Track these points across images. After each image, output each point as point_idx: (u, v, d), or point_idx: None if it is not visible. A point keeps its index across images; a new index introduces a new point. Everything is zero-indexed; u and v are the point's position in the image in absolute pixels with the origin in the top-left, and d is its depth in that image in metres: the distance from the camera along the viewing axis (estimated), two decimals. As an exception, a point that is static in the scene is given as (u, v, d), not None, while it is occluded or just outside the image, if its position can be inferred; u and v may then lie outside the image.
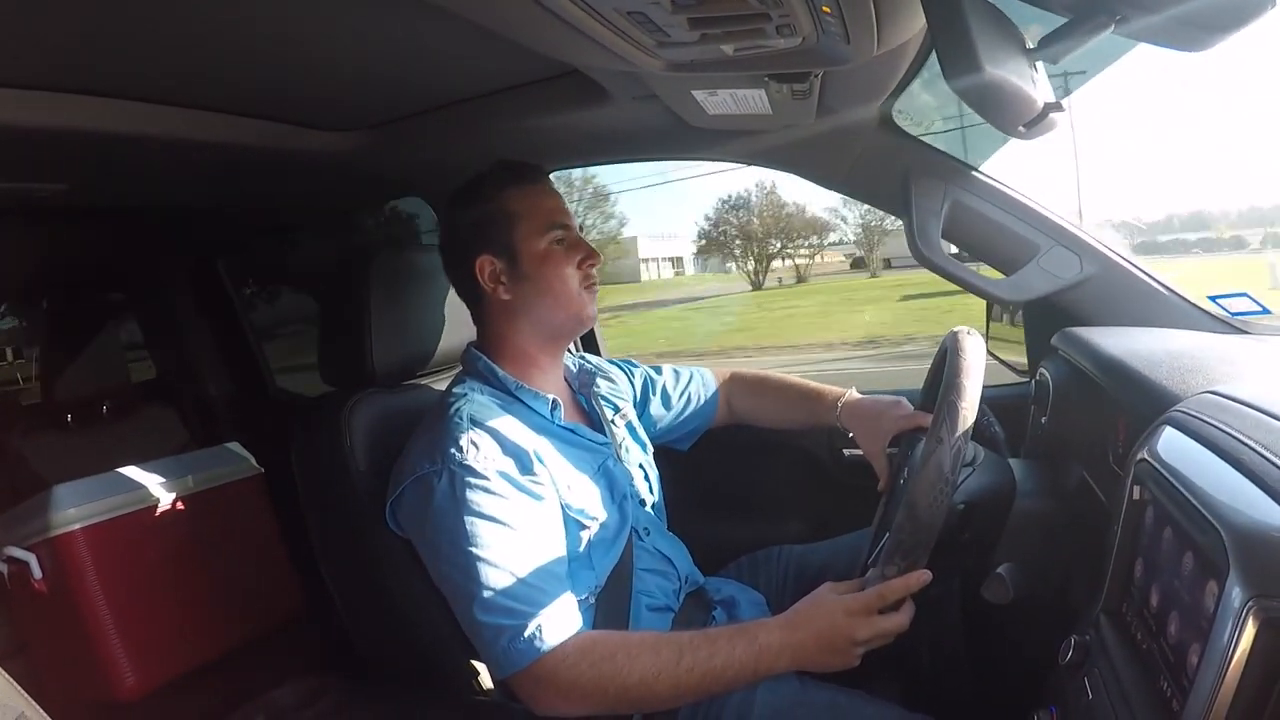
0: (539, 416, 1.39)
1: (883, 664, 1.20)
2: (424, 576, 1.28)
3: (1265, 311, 1.55)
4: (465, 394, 1.34)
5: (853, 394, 1.60)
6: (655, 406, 1.71)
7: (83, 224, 2.37)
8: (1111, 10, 0.79)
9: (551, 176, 1.62)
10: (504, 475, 1.24)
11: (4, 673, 0.76)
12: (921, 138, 1.68)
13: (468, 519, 1.20)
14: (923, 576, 1.10)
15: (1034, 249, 1.61)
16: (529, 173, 1.45)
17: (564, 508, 1.30)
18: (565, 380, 1.55)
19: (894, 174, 1.66)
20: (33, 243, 2.36)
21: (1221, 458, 0.79)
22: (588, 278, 1.43)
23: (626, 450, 1.55)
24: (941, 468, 1.05)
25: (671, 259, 40.05)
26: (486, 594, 1.17)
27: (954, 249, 1.70)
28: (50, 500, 1.85)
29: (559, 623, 1.17)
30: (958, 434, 1.06)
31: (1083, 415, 1.37)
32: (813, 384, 1.70)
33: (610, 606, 1.33)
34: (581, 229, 1.46)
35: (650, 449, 1.64)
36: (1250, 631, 0.62)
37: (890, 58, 1.19)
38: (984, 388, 1.13)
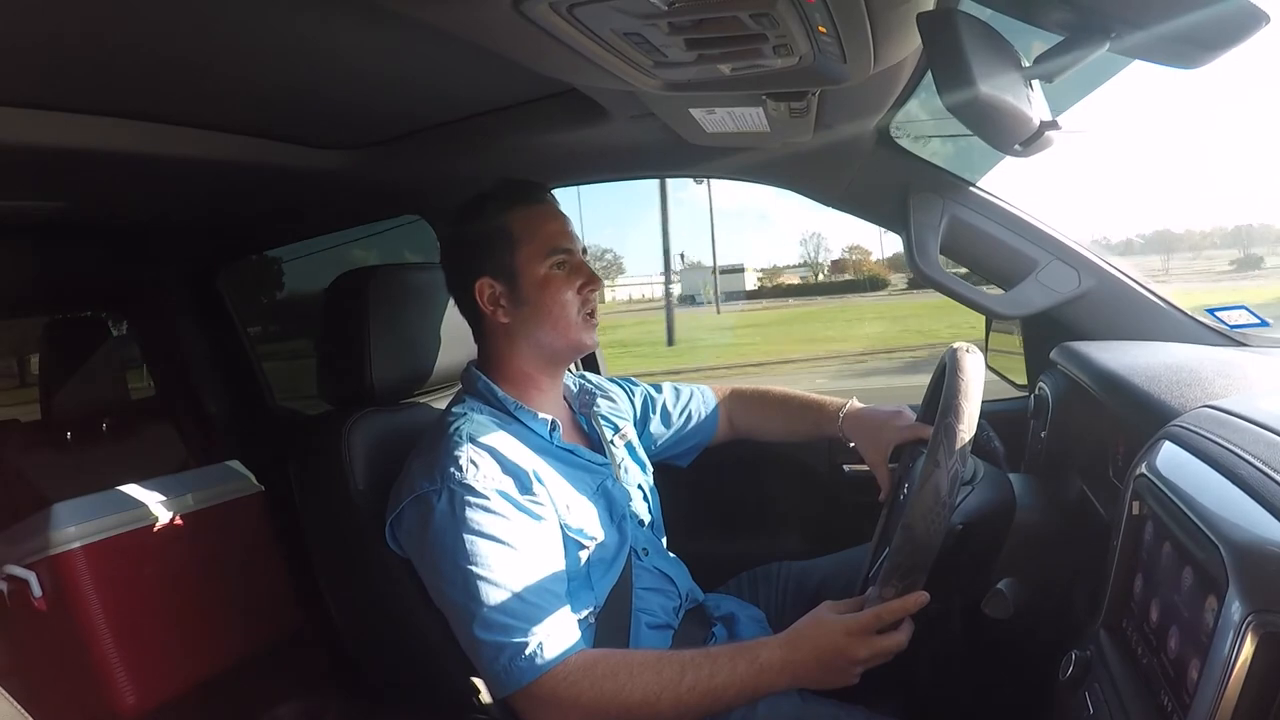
0: (538, 437, 1.39)
1: (883, 679, 1.20)
2: (423, 595, 1.27)
3: (1264, 324, 1.56)
4: (465, 413, 1.34)
5: (854, 404, 1.60)
6: (655, 424, 1.71)
7: (82, 241, 2.37)
8: (1106, 28, 0.80)
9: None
10: (503, 494, 1.24)
11: (3, 691, 0.76)
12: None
13: (467, 538, 1.20)
14: (920, 598, 1.10)
15: (1032, 264, 1.61)
16: (532, 192, 1.43)
17: (563, 528, 1.30)
18: (565, 400, 1.55)
19: (892, 190, 1.67)
20: (32, 260, 2.36)
21: (1220, 473, 0.79)
22: (588, 303, 1.42)
23: (625, 470, 1.55)
24: (939, 491, 1.05)
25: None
26: (486, 612, 1.17)
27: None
28: (50, 519, 1.84)
29: (559, 641, 1.17)
30: (954, 457, 1.06)
31: (1082, 429, 1.37)
32: (813, 395, 1.70)
33: (610, 625, 1.33)
34: (585, 252, 1.45)
35: (650, 469, 1.64)
36: (1250, 646, 0.62)
37: (887, 75, 1.20)
38: (983, 402, 1.13)
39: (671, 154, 1.75)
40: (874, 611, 1.12)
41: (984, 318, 1.89)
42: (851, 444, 1.58)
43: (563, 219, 1.43)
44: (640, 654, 1.23)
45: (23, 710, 0.77)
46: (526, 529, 1.24)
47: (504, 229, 1.39)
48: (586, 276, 1.41)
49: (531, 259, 1.38)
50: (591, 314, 1.43)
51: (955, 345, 1.21)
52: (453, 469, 1.24)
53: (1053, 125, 0.89)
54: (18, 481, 2.44)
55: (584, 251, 1.45)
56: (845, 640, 1.14)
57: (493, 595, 1.17)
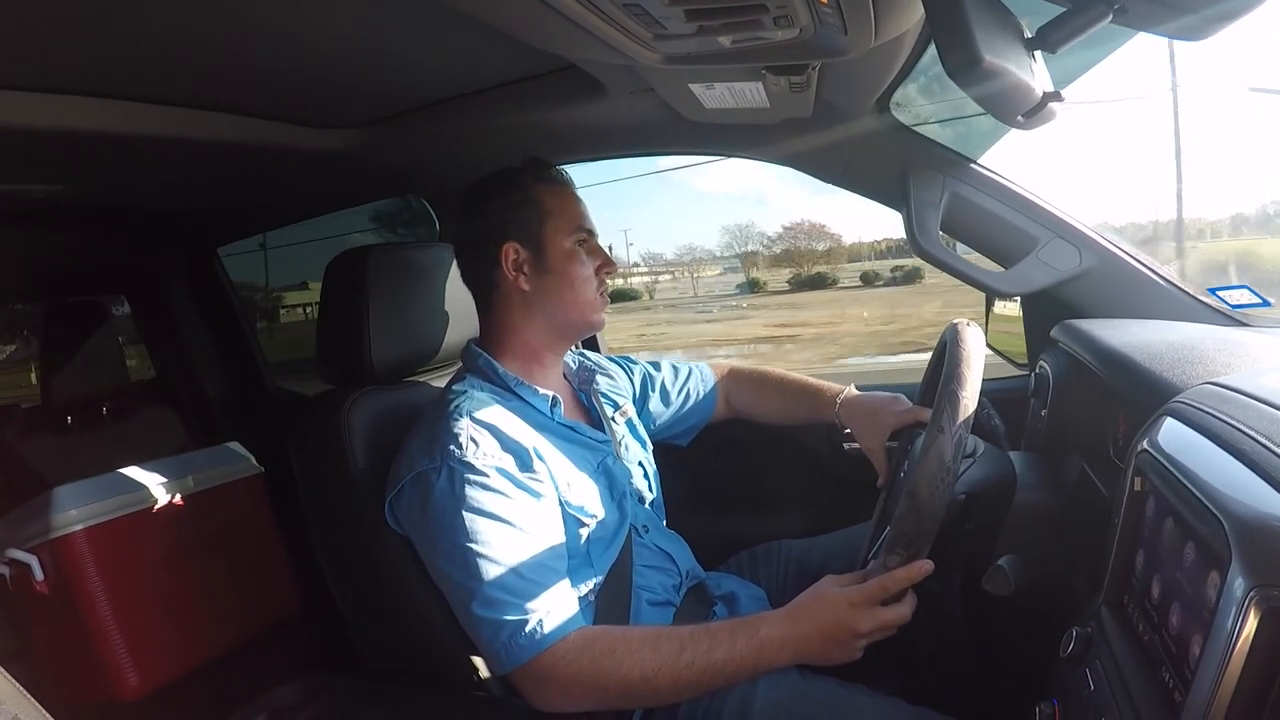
0: (538, 414, 1.39)
1: (883, 657, 1.20)
2: (423, 573, 1.27)
3: (1265, 304, 1.55)
4: (465, 391, 1.34)
5: (851, 391, 1.61)
6: (654, 403, 1.71)
7: (80, 224, 2.36)
8: (1110, -1, 0.79)
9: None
10: (503, 472, 1.24)
11: (6, 674, 0.76)
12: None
13: (466, 515, 1.20)
14: (925, 567, 1.09)
15: (1033, 241, 1.61)
16: (559, 175, 1.47)
17: (563, 505, 1.30)
18: (565, 378, 1.55)
19: (892, 167, 1.66)
20: (30, 244, 2.36)
21: (1223, 448, 0.78)
22: (602, 284, 1.45)
23: (626, 448, 1.55)
24: (943, 456, 1.04)
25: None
26: (486, 590, 1.17)
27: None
28: (51, 502, 1.84)
29: (558, 618, 1.17)
30: (959, 423, 1.05)
31: (1083, 407, 1.37)
32: (811, 380, 1.70)
33: (611, 603, 1.33)
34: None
35: (650, 446, 1.64)
36: (1252, 621, 0.61)
37: (888, 49, 1.19)
38: (983, 380, 1.12)
39: (671, 131, 1.74)
40: (878, 581, 1.12)
41: (980, 296, 1.89)
42: (848, 431, 1.58)
43: (584, 203, 1.47)
44: (639, 631, 1.23)
45: (26, 693, 0.77)
46: (526, 506, 1.24)
47: (535, 200, 1.41)
48: (604, 259, 1.45)
49: (559, 231, 1.41)
50: (603, 295, 1.46)
51: (955, 321, 1.21)
52: (452, 446, 1.24)
53: (1056, 96, 0.88)
54: (18, 465, 2.45)
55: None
56: (849, 612, 1.14)
57: (492, 573, 1.18)
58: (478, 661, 1.31)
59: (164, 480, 2.04)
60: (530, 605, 1.17)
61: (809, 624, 1.16)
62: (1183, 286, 1.58)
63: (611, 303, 1.59)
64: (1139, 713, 0.77)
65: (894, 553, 1.10)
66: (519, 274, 1.40)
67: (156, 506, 2.00)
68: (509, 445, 1.28)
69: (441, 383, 1.48)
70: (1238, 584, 0.64)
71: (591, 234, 1.45)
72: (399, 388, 1.55)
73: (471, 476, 1.22)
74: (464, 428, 1.26)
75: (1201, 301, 1.57)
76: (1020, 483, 1.22)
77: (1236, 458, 0.75)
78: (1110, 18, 0.80)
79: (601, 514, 1.35)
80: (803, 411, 1.68)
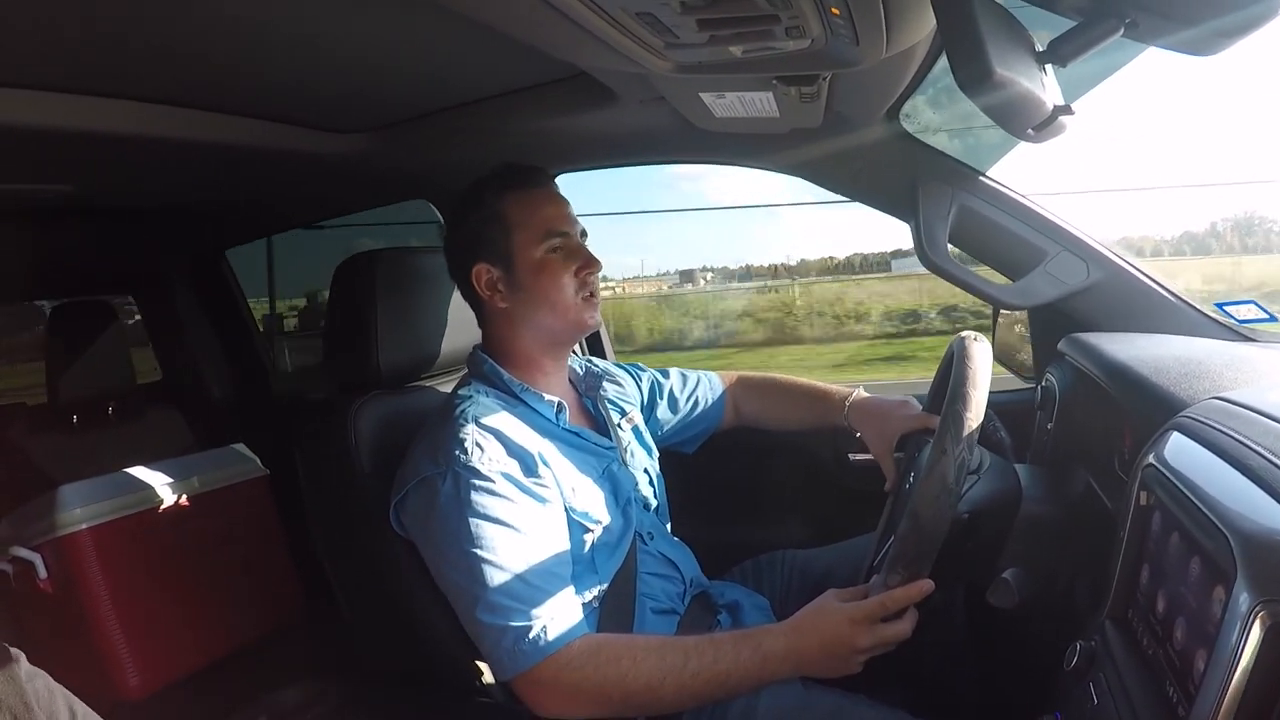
0: (544, 419, 1.39)
1: (887, 669, 1.20)
2: (428, 578, 1.27)
3: (1272, 319, 1.55)
4: (470, 396, 1.34)
5: (860, 394, 1.60)
6: (662, 410, 1.71)
7: (88, 225, 2.37)
8: (1121, 14, 0.79)
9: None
10: (508, 477, 1.24)
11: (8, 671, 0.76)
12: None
13: (472, 520, 1.20)
14: (925, 586, 1.10)
15: (1041, 254, 1.61)
16: (530, 177, 1.43)
17: (568, 511, 1.30)
18: (571, 383, 1.55)
19: (901, 178, 1.66)
20: (38, 243, 2.36)
21: (1229, 463, 0.78)
22: (586, 285, 1.41)
23: (632, 454, 1.54)
24: (945, 478, 1.04)
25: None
26: (490, 595, 1.17)
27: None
28: (56, 500, 1.85)
29: (562, 624, 1.17)
30: (962, 444, 1.05)
31: (1089, 421, 1.37)
32: (820, 384, 1.69)
33: (614, 610, 1.33)
34: (584, 235, 1.45)
35: (656, 453, 1.64)
36: (1257, 636, 0.62)
37: (899, 60, 1.19)
38: (990, 393, 1.12)
39: (680, 139, 1.74)
40: (878, 599, 1.12)
41: (990, 308, 1.89)
42: (857, 434, 1.58)
43: (560, 202, 1.43)
44: (644, 639, 1.23)
45: (23, 688, 0.77)
46: (531, 512, 1.24)
47: (500, 214, 1.39)
48: (584, 259, 1.40)
49: (527, 243, 1.38)
50: (592, 294, 1.42)
51: (964, 334, 1.21)
52: (458, 451, 1.24)
53: (1066, 110, 0.89)
54: (24, 464, 2.45)
55: (583, 234, 1.44)
56: (849, 628, 1.14)
57: (496, 578, 1.17)
58: (481, 667, 1.31)
59: (169, 481, 2.04)
60: (535, 611, 1.16)
61: (810, 638, 1.16)
62: (1190, 301, 1.58)
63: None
64: (1142, 726, 0.77)
65: (895, 571, 1.10)
66: (494, 293, 1.40)
67: (161, 507, 2.01)
68: (514, 450, 1.28)
69: (448, 388, 1.48)
70: (1243, 599, 0.64)
71: (567, 235, 1.40)
72: (405, 392, 1.55)
73: (476, 482, 1.22)
74: (469, 433, 1.26)
75: (1208, 316, 1.56)
76: (1026, 495, 1.22)
77: (1243, 473, 0.75)
78: (1121, 32, 0.81)
79: (606, 520, 1.35)
80: (812, 416, 1.67)
